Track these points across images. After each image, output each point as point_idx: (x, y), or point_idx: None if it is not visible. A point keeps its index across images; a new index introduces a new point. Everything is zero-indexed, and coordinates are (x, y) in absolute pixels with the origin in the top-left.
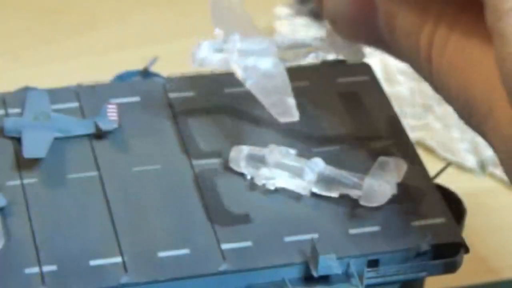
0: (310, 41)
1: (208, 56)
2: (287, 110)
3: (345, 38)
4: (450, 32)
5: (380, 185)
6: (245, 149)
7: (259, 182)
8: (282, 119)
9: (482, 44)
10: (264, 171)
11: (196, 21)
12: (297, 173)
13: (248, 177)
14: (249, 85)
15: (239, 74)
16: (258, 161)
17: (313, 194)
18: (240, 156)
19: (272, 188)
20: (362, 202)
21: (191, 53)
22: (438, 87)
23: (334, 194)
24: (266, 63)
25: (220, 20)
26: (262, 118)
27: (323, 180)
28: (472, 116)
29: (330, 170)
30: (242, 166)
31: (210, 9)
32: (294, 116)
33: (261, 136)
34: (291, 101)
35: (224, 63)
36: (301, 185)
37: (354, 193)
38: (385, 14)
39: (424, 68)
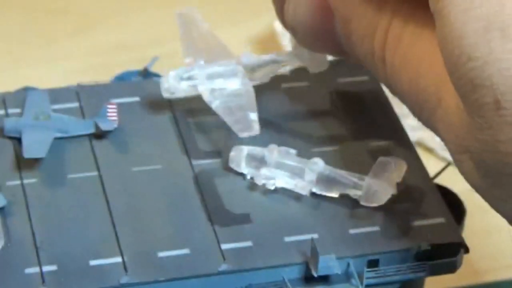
0: (276, 57)
1: (175, 84)
2: (248, 125)
3: (309, 49)
4: (403, 30)
5: (380, 185)
6: (245, 149)
7: (259, 182)
8: (242, 134)
9: (433, 38)
10: (264, 171)
11: None
12: (297, 173)
13: (248, 177)
14: (214, 107)
15: (205, 97)
16: (258, 161)
17: (313, 194)
18: (240, 156)
19: (272, 188)
20: (362, 202)
21: (160, 83)
22: (392, 85)
23: (334, 194)
24: (234, 84)
25: (191, 49)
26: (262, 118)
27: (323, 180)
28: (423, 109)
29: (330, 170)
30: (242, 166)
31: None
32: (254, 130)
33: (261, 136)
34: (254, 116)
35: (192, 89)
36: (301, 185)
37: (354, 193)
38: (341, 20)
39: (379, 68)
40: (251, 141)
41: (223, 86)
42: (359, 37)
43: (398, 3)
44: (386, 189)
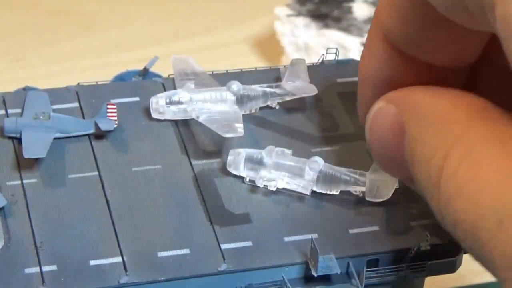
0: (264, 90)
1: (164, 107)
2: (233, 128)
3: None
4: (462, 159)
5: (382, 180)
6: (243, 152)
7: (260, 184)
8: (226, 135)
9: (492, 169)
10: (264, 173)
11: (196, 22)
12: (297, 173)
13: (247, 179)
14: (201, 120)
15: (194, 114)
16: (256, 163)
17: (313, 194)
18: (238, 159)
19: (273, 189)
20: (368, 198)
21: (150, 104)
22: (444, 214)
23: (335, 192)
24: (222, 108)
25: (183, 81)
26: (262, 118)
27: (323, 178)
28: (476, 238)
29: (330, 168)
30: (241, 169)
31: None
32: (238, 132)
33: (261, 136)
34: (239, 124)
35: (182, 112)
36: (303, 184)
37: (355, 189)
38: (410, 138)
39: (433, 194)
40: (249, 143)
41: (211, 108)
42: (420, 159)
43: (462, 131)
44: (388, 184)
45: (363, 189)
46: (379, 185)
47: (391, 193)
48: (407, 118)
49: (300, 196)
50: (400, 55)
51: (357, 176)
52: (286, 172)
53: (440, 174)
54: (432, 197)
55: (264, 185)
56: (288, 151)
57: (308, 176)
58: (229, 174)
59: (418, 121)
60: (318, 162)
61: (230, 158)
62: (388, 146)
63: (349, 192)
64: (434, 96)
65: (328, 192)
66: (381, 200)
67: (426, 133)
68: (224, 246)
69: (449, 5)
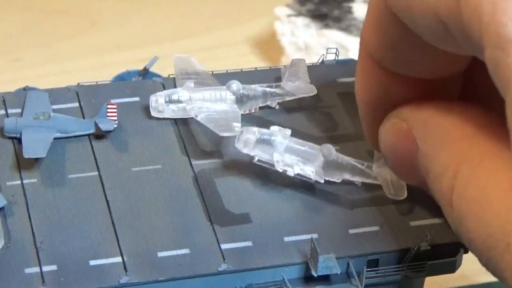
0: (264, 90)
1: (163, 105)
2: (230, 127)
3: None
4: (470, 178)
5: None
6: (256, 131)
7: (279, 168)
8: (223, 134)
9: (499, 188)
10: (278, 157)
11: (196, 22)
12: (309, 158)
13: (256, 159)
14: (199, 118)
15: (192, 113)
16: (268, 144)
17: (313, 194)
18: (250, 137)
19: (292, 175)
20: (388, 195)
21: (149, 102)
22: (459, 231)
23: (337, 179)
24: (221, 107)
25: (184, 80)
26: (262, 118)
27: (330, 164)
28: (490, 256)
29: (338, 156)
30: (250, 148)
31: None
32: (235, 131)
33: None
34: (237, 123)
35: (181, 111)
36: (315, 170)
37: (358, 180)
38: (422, 154)
39: (448, 212)
40: None
41: (209, 108)
42: (434, 176)
43: (468, 148)
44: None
45: (366, 180)
46: (389, 178)
47: (405, 189)
48: (418, 135)
49: (300, 197)
50: (389, 73)
51: (363, 168)
52: (298, 157)
53: (451, 192)
54: (447, 215)
55: (284, 170)
56: (288, 131)
57: (318, 162)
58: (229, 174)
59: (427, 138)
60: (331, 148)
61: (242, 135)
62: (403, 160)
63: (349, 192)
64: (441, 112)
65: (331, 179)
66: (401, 197)
67: (436, 150)
68: (224, 246)
69: (437, 37)
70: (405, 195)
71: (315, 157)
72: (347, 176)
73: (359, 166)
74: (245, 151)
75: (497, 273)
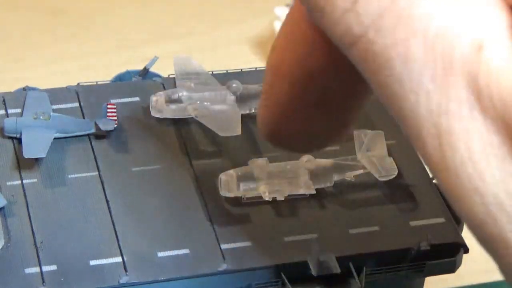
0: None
1: (163, 105)
2: (230, 127)
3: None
4: None
5: (375, 155)
6: (233, 172)
7: (268, 198)
8: (223, 134)
9: None
10: (264, 187)
11: (196, 22)
12: (293, 176)
13: (245, 199)
14: (200, 118)
15: (193, 113)
16: (250, 179)
17: (312, 195)
18: (231, 180)
19: (283, 198)
20: (380, 178)
21: (150, 102)
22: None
23: (329, 183)
24: (221, 107)
25: (184, 80)
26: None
27: (316, 172)
28: None
29: (320, 162)
30: (235, 190)
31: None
32: (235, 131)
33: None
34: (237, 123)
35: (181, 111)
36: (303, 184)
37: (348, 175)
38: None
39: None
40: (248, 143)
41: (210, 107)
42: None
43: None
44: (383, 156)
45: (357, 172)
46: (375, 161)
47: (394, 165)
48: None
49: (300, 197)
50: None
51: (349, 162)
52: (283, 179)
53: None
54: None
55: (273, 198)
56: (264, 159)
57: (304, 176)
58: None
59: None
60: (311, 160)
61: (222, 182)
62: None
63: (349, 192)
64: None
65: (323, 186)
66: (394, 175)
67: None
68: (224, 246)
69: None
70: (396, 171)
71: (300, 172)
72: (337, 177)
73: (344, 162)
74: (231, 195)
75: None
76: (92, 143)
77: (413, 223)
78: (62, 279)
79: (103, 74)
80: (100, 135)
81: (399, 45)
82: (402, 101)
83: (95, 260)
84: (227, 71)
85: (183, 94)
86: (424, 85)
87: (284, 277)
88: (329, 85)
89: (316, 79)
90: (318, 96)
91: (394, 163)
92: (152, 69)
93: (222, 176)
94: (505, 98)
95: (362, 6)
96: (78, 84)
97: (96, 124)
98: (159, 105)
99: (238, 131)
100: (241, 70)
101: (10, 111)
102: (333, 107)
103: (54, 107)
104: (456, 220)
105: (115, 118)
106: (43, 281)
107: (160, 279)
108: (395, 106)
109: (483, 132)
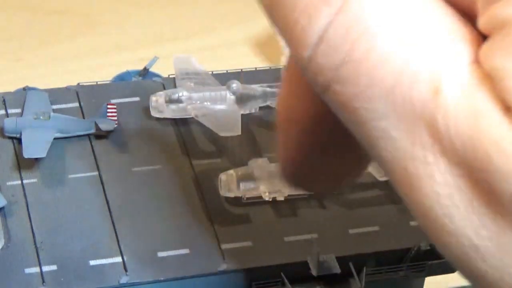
0: (264, 90)
1: (163, 105)
2: (229, 127)
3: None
4: None
5: None
6: (233, 172)
7: (268, 198)
8: (223, 134)
9: None
10: (264, 187)
11: (196, 22)
12: None
13: (245, 198)
14: (199, 118)
15: (193, 113)
16: (250, 180)
17: (312, 195)
18: (231, 179)
19: (283, 199)
20: (380, 178)
21: (150, 102)
22: None
23: None
24: (221, 107)
25: (184, 80)
26: (262, 118)
27: None
28: None
29: None
30: (235, 190)
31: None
32: (234, 131)
33: (260, 136)
34: (236, 123)
35: (181, 111)
36: None
37: None
38: None
39: None
40: (248, 143)
41: (210, 107)
42: None
43: None
44: None
45: None
46: None
47: None
48: None
49: (300, 197)
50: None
51: None
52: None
53: None
54: None
55: (273, 198)
56: (264, 159)
57: None
58: None
59: None
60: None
61: (222, 182)
62: None
63: (349, 192)
64: None
65: None
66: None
67: None
68: (224, 246)
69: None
70: None
71: None
72: None
73: None
74: (231, 195)
75: None
76: (92, 143)
77: (413, 223)
78: (62, 279)
79: (103, 74)
80: (100, 135)
81: (359, 96)
82: (373, 148)
83: (95, 260)
84: (227, 71)
85: (183, 94)
86: (389, 132)
87: (284, 277)
88: (337, 127)
89: (323, 123)
90: (329, 138)
91: None
92: (152, 69)
93: (222, 176)
94: (464, 142)
95: (321, 57)
96: (78, 84)
97: (96, 124)
98: (159, 105)
99: (238, 131)
100: (241, 70)
101: (10, 111)
102: (345, 148)
103: (54, 107)
104: None
105: (115, 118)
106: (43, 281)
107: (160, 279)
108: (369, 150)
109: (447, 176)
